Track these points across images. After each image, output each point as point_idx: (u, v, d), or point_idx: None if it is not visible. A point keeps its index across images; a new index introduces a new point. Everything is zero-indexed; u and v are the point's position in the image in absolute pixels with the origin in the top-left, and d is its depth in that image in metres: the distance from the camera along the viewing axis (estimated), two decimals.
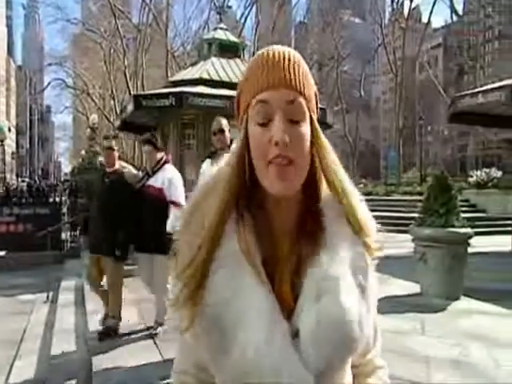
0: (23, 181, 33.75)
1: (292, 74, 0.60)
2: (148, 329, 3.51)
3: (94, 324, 3.64)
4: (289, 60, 0.61)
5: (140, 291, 4.08)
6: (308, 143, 0.60)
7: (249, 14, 32.17)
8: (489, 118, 8.75)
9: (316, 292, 0.58)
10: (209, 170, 3.11)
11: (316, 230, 0.62)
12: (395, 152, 28.16)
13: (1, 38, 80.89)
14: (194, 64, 9.29)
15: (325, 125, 7.78)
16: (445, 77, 53.41)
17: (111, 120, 29.30)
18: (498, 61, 45.46)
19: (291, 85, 0.59)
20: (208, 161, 3.23)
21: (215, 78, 7.76)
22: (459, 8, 47.01)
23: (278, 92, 0.59)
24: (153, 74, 29.99)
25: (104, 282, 3.57)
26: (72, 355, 3.31)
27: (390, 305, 3.83)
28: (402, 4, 33.12)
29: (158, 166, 3.52)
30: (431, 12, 38.65)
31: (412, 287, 4.68)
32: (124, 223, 3.38)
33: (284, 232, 0.63)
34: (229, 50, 8.59)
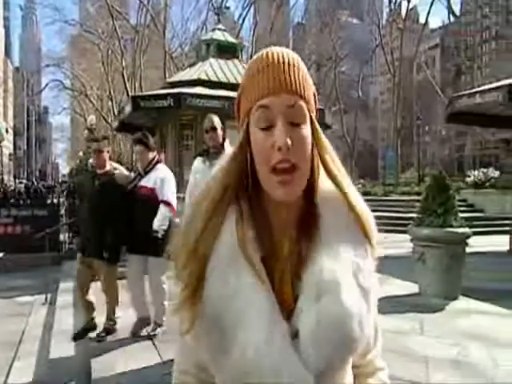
0: (21, 182, 33.62)
1: (292, 78, 0.60)
2: (146, 330, 3.50)
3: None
4: (288, 63, 0.61)
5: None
6: (309, 146, 0.61)
7: (247, 14, 32.20)
8: (486, 118, 8.78)
9: (316, 292, 0.58)
10: (200, 167, 3.10)
11: (316, 230, 0.63)
12: (393, 152, 28.24)
13: None
14: (192, 65, 9.31)
15: (324, 125, 7.80)
16: (442, 77, 53.57)
17: (109, 121, 29.27)
18: (495, 61, 45.64)
19: (292, 89, 0.60)
20: (199, 158, 3.18)
21: (213, 78, 7.77)
22: (456, 9, 47.17)
23: (278, 98, 0.60)
24: (151, 75, 29.97)
25: (92, 289, 3.51)
26: (71, 357, 3.30)
27: (389, 305, 3.83)
28: (400, 5, 33.28)
29: (150, 166, 3.47)
30: (429, 12, 38.74)
31: (410, 287, 4.69)
32: (114, 225, 3.33)
33: (284, 232, 0.63)
34: (227, 51, 8.60)
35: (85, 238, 3.52)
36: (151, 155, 3.49)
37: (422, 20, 40.28)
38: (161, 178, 3.41)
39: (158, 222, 3.25)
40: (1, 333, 4.03)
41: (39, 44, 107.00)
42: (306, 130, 0.61)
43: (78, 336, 3.37)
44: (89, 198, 3.58)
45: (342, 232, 0.63)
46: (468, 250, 4.51)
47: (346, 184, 0.65)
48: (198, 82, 7.56)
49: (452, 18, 42.26)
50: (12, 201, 7.96)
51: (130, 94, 23.12)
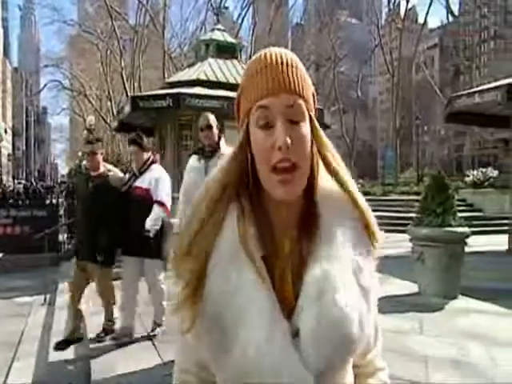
0: (19, 183, 33.58)
1: (290, 78, 0.61)
2: (146, 330, 3.50)
3: (93, 326, 3.62)
4: (287, 64, 0.62)
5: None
6: (309, 144, 0.62)
7: (245, 14, 32.19)
8: (485, 118, 8.80)
9: (317, 291, 0.59)
10: (195, 165, 3.06)
11: (316, 229, 0.63)
12: (392, 152, 28.29)
13: None
14: (191, 65, 9.29)
15: (323, 125, 7.79)
16: (441, 77, 53.64)
17: (108, 121, 29.22)
18: (494, 61, 45.68)
19: (290, 89, 0.61)
20: (194, 157, 3.13)
21: (212, 78, 7.76)
22: (455, 9, 47.29)
23: (278, 98, 0.60)
24: (150, 76, 29.95)
25: (85, 298, 3.46)
26: (70, 357, 3.29)
27: (388, 304, 3.83)
28: (399, 5, 33.36)
29: (144, 167, 3.44)
30: (427, 13, 38.78)
31: (410, 287, 4.70)
32: (108, 226, 3.28)
33: (285, 231, 0.63)
34: (226, 51, 8.59)
35: (78, 240, 3.50)
36: (146, 156, 3.47)
37: (420, 20, 40.35)
38: (155, 179, 3.38)
39: (151, 222, 3.22)
40: (0, 333, 4.03)
41: (38, 44, 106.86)
42: (306, 128, 0.62)
43: (60, 347, 3.25)
44: (82, 200, 3.55)
45: (343, 231, 0.63)
46: (467, 249, 4.52)
47: (349, 182, 0.65)
48: (197, 82, 7.55)
49: (451, 18, 42.33)
50: (11, 201, 7.96)
51: (128, 94, 23.10)
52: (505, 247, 7.74)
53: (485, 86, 7.97)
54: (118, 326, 3.49)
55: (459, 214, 4.58)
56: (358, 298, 0.60)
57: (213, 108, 6.45)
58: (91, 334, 3.48)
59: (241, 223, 0.61)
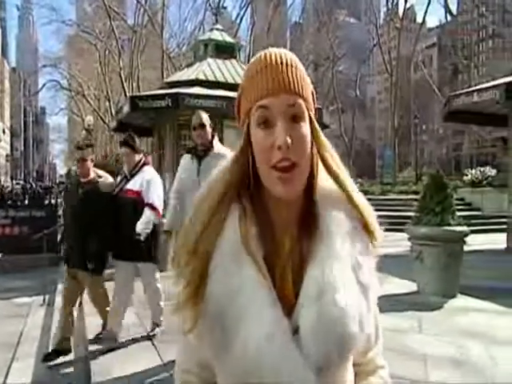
0: (18, 183, 33.53)
1: (290, 78, 0.61)
2: (146, 330, 3.50)
3: (92, 326, 3.62)
4: (286, 64, 0.62)
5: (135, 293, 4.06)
6: (309, 144, 0.62)
7: (244, 14, 32.21)
8: (483, 117, 8.82)
9: (317, 290, 0.59)
10: (187, 165, 2.98)
11: (316, 228, 0.63)
12: (391, 151, 28.32)
13: None
14: (189, 65, 9.29)
15: (321, 125, 7.80)
16: (439, 76, 53.71)
17: (106, 121, 29.20)
18: (492, 60, 45.81)
19: (290, 89, 0.61)
20: (187, 156, 3.06)
21: (211, 78, 7.76)
22: (453, 8, 47.23)
23: (278, 98, 0.61)
24: (148, 76, 29.92)
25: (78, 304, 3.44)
26: (70, 358, 3.29)
27: (387, 303, 3.84)
28: (397, 4, 33.34)
29: (136, 169, 3.38)
30: (426, 12, 38.96)
31: (409, 285, 4.70)
32: (98, 232, 3.22)
33: (285, 230, 0.64)
34: (225, 51, 8.59)
35: (68, 245, 3.45)
36: (137, 157, 3.40)
37: (419, 19, 40.53)
38: (147, 181, 3.32)
39: (141, 225, 3.15)
40: None
41: (36, 44, 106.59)
42: (306, 128, 0.62)
43: (48, 358, 3.21)
44: (72, 206, 3.50)
45: (343, 230, 0.63)
46: (466, 248, 4.53)
47: (347, 181, 0.66)
48: (195, 82, 7.55)
49: (449, 17, 42.39)
50: (9, 202, 7.95)
51: (127, 94, 23.09)
52: (503, 246, 7.76)
53: (483, 85, 7.98)
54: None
55: (458, 213, 4.58)
56: (357, 296, 0.61)
57: (212, 108, 6.46)
58: (90, 335, 3.48)
59: (242, 223, 0.61)
